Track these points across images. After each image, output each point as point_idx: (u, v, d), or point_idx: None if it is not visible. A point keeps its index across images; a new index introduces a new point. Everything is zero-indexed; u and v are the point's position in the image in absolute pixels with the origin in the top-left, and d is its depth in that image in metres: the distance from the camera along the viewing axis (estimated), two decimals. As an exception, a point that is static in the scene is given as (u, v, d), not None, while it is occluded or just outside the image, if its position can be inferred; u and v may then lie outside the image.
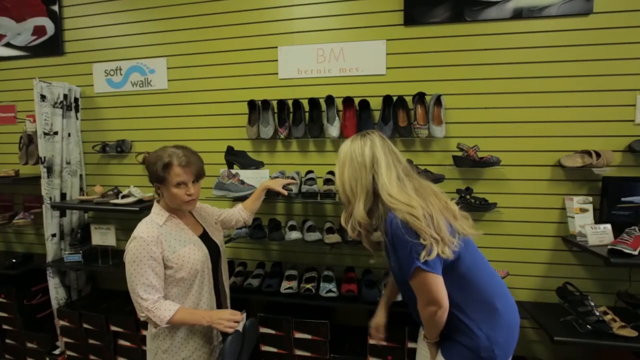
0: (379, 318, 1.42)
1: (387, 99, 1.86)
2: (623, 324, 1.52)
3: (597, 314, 1.56)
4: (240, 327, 1.22)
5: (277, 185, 1.60)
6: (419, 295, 1.06)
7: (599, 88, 1.76)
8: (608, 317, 1.56)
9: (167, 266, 1.18)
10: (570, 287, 1.74)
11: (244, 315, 1.26)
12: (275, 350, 1.87)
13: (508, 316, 1.11)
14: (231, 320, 1.19)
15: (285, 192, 1.60)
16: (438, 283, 1.02)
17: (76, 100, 2.31)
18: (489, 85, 1.85)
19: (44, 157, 2.14)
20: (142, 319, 1.17)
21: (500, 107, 1.85)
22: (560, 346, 1.58)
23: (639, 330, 1.50)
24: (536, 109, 1.82)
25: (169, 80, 2.23)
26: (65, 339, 2.19)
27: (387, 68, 1.94)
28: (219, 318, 1.19)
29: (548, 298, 1.85)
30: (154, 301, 1.14)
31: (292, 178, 1.79)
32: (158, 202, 1.28)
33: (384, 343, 1.45)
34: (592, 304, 1.60)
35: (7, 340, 2.32)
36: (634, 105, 1.74)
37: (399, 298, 1.49)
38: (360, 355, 1.79)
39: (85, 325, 2.12)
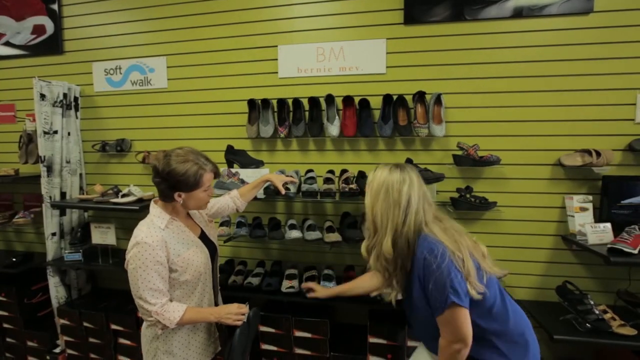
0: (321, 291, 1.51)
1: (387, 97, 1.86)
2: (622, 322, 1.52)
3: (597, 312, 1.56)
4: (245, 319, 1.26)
5: (278, 182, 1.57)
6: (446, 332, 1.04)
7: (599, 87, 1.76)
8: (607, 316, 1.56)
9: (171, 269, 1.18)
10: (570, 286, 1.74)
11: (247, 306, 1.29)
12: (275, 348, 1.88)
13: (535, 347, 1.13)
14: (238, 313, 1.23)
15: (284, 191, 1.58)
16: (468, 319, 1.02)
17: (76, 99, 2.31)
18: (489, 84, 1.85)
19: (44, 156, 2.14)
20: (149, 323, 1.17)
21: (500, 106, 1.85)
22: (560, 345, 1.58)
23: (638, 329, 1.50)
24: (536, 108, 1.82)
25: (168, 79, 2.23)
26: (65, 338, 2.20)
27: (387, 67, 1.94)
28: (227, 313, 1.22)
29: (548, 297, 1.85)
30: (161, 305, 1.13)
31: (292, 177, 1.78)
32: (156, 203, 1.25)
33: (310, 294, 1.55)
34: (592, 302, 1.60)
35: (8, 339, 2.33)
36: (634, 104, 1.74)
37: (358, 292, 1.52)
38: (360, 354, 1.80)
39: (85, 324, 2.12)
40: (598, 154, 1.68)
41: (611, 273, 1.81)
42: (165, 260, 1.15)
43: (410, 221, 1.08)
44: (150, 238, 1.13)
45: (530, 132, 1.83)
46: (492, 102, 1.86)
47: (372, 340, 1.77)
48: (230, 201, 1.51)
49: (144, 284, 1.12)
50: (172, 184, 1.16)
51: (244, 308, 1.26)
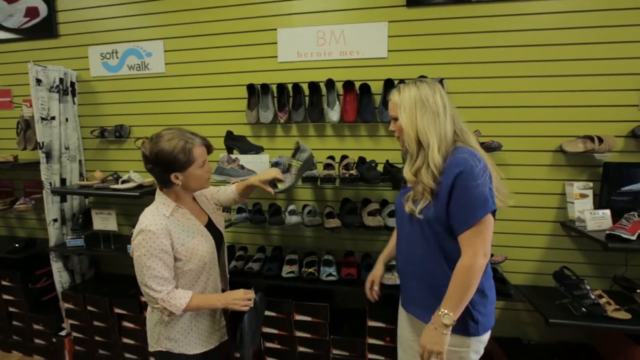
0: (377, 271, 1.42)
1: (388, 82, 1.83)
2: (617, 307, 1.55)
3: (593, 297, 1.59)
4: (252, 304, 1.26)
5: (263, 183, 1.40)
6: (476, 245, 1.02)
7: (602, 72, 1.73)
8: (603, 300, 1.59)
9: (175, 258, 1.17)
10: (567, 271, 1.76)
11: (253, 291, 1.29)
12: (276, 331, 1.92)
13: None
14: (245, 299, 1.23)
15: (272, 191, 1.44)
16: (492, 231, 1.05)
17: (72, 84, 2.28)
18: (491, 69, 1.82)
19: (42, 143, 2.12)
20: (155, 309, 1.17)
21: (502, 91, 1.83)
22: (555, 328, 1.61)
23: (632, 313, 1.53)
24: (539, 93, 1.79)
25: (166, 64, 2.19)
26: (70, 321, 2.24)
27: (388, 51, 1.90)
28: (234, 299, 1.21)
29: (545, 282, 1.87)
30: (167, 292, 1.13)
31: (284, 166, 1.58)
32: (161, 190, 1.23)
33: (377, 298, 1.40)
34: (588, 287, 1.63)
35: (15, 322, 2.37)
36: (638, 89, 1.71)
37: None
38: (359, 337, 1.84)
39: (89, 308, 2.16)
40: (600, 140, 1.66)
41: (608, 259, 1.83)
42: (170, 248, 1.14)
43: (449, 130, 1.10)
44: (154, 226, 1.12)
45: (533, 118, 1.81)
46: (494, 87, 1.83)
47: (371, 323, 1.81)
48: (230, 195, 1.46)
49: (148, 272, 1.11)
50: (164, 166, 1.13)
51: (250, 293, 1.26)
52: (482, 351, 1.16)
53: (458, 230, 1.06)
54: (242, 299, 1.23)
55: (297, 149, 1.56)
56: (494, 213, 1.06)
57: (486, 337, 1.15)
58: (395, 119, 1.17)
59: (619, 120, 1.74)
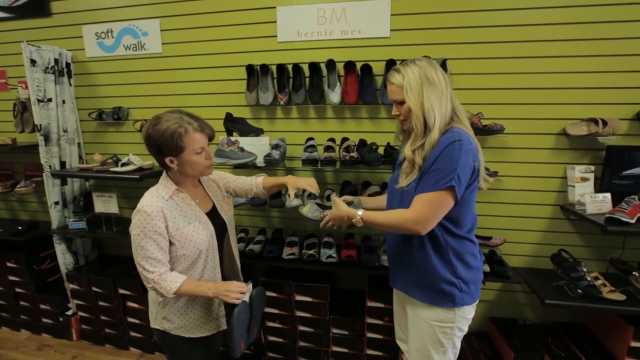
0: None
1: (390, 63, 1.79)
2: (613, 288, 1.58)
3: (589, 279, 1.61)
4: (246, 298, 1.23)
5: (293, 188, 1.36)
6: (423, 212, 1.03)
7: (607, 53, 1.69)
8: (599, 282, 1.61)
9: (170, 242, 1.17)
10: (565, 254, 1.78)
11: (250, 285, 1.26)
12: (277, 311, 1.96)
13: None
14: (237, 292, 1.18)
15: (292, 198, 1.38)
16: (445, 211, 1.06)
17: (68, 65, 2.23)
18: (495, 49, 1.77)
19: (40, 125, 2.10)
20: (148, 289, 1.18)
21: (506, 72, 1.79)
22: (550, 309, 1.64)
23: (627, 295, 1.55)
24: (543, 74, 1.75)
25: (163, 44, 2.14)
26: (76, 301, 2.29)
27: (391, 30, 1.85)
28: (225, 290, 1.17)
29: (543, 264, 1.90)
30: (159, 274, 1.13)
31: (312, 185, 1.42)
32: (167, 173, 1.22)
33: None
34: (585, 270, 1.65)
35: (22, 302, 2.43)
36: (645, 70, 1.68)
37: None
38: (358, 317, 1.88)
39: (94, 289, 2.21)
40: (605, 123, 1.64)
41: (606, 242, 1.84)
42: (164, 231, 1.14)
43: (450, 108, 1.09)
44: (150, 207, 1.12)
45: (536, 100, 1.78)
46: (498, 68, 1.79)
47: (370, 304, 1.84)
48: (253, 186, 1.42)
49: (142, 252, 1.12)
50: (156, 148, 1.12)
51: (244, 287, 1.21)
52: (465, 329, 1.19)
53: (419, 189, 1.07)
54: (233, 291, 1.17)
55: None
56: (457, 198, 1.04)
57: (470, 314, 1.18)
58: (400, 102, 1.12)
59: (624, 103, 1.71)
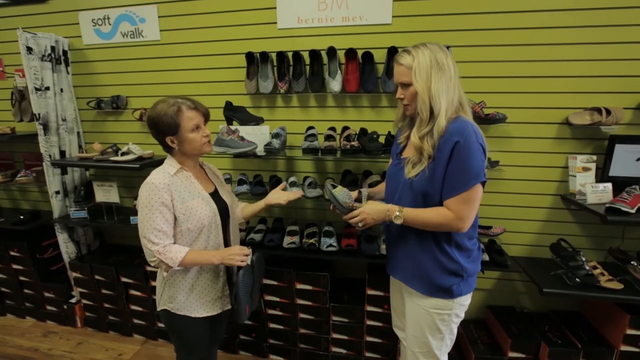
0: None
1: (392, 50, 1.76)
2: (610, 277, 1.59)
3: (587, 268, 1.62)
4: (249, 262, 1.29)
5: (280, 200, 1.43)
6: (461, 211, 1.04)
7: (611, 40, 1.66)
8: (597, 271, 1.62)
9: (174, 217, 1.21)
10: (564, 244, 1.79)
11: (250, 250, 1.31)
12: (278, 299, 1.99)
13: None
14: (241, 254, 1.25)
15: (284, 203, 1.43)
16: (479, 203, 1.08)
17: (65, 52, 2.20)
18: (499, 37, 1.74)
19: (38, 114, 2.09)
20: (152, 264, 1.21)
21: (509, 60, 1.76)
22: (548, 298, 1.66)
23: (625, 284, 1.57)
24: (546, 62, 1.73)
25: (161, 31, 2.10)
26: (79, 289, 2.32)
27: (393, 17, 1.81)
28: (230, 254, 1.24)
29: (542, 254, 1.91)
30: (164, 245, 1.17)
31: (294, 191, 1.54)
32: (171, 154, 1.28)
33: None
34: (584, 259, 1.66)
35: (26, 290, 2.46)
36: (650, 58, 1.65)
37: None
38: (358, 304, 1.90)
39: (97, 277, 2.23)
40: (608, 112, 1.62)
41: (605, 231, 1.85)
42: (170, 204, 1.18)
43: (457, 97, 1.08)
44: (157, 180, 1.18)
45: (539, 88, 1.76)
46: (501, 56, 1.76)
47: (370, 292, 1.86)
48: (240, 205, 1.54)
49: (148, 223, 1.16)
50: (156, 129, 1.19)
51: (247, 249, 1.28)
52: (462, 315, 1.21)
53: (445, 195, 1.07)
54: (238, 254, 1.24)
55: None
56: (483, 184, 1.06)
57: (467, 301, 1.19)
58: (407, 85, 1.10)
59: (628, 92, 1.69)
